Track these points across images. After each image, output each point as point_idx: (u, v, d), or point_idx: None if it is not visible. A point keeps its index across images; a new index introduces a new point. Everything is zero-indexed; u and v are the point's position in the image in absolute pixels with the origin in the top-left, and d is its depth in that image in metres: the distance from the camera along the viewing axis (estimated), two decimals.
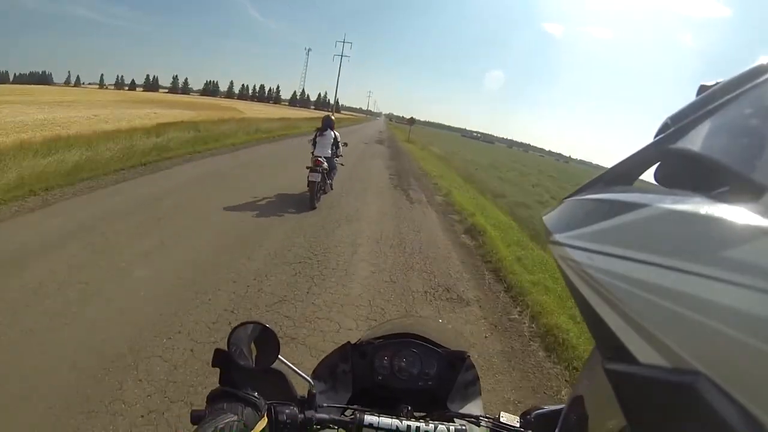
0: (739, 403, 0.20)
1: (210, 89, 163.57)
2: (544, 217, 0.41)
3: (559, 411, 0.69)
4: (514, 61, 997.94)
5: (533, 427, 0.74)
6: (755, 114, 0.27)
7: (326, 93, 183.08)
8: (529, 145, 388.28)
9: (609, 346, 0.26)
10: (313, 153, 6.31)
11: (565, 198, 0.40)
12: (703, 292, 0.21)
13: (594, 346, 0.33)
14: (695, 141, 0.29)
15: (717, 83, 0.32)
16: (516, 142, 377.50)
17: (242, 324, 0.72)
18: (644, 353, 0.24)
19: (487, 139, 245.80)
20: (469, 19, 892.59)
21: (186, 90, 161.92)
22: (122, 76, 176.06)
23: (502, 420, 0.78)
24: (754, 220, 0.21)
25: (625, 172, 0.35)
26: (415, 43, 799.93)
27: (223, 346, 0.69)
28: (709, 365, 0.21)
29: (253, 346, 0.72)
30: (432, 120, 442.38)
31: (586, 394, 0.44)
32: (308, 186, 6.02)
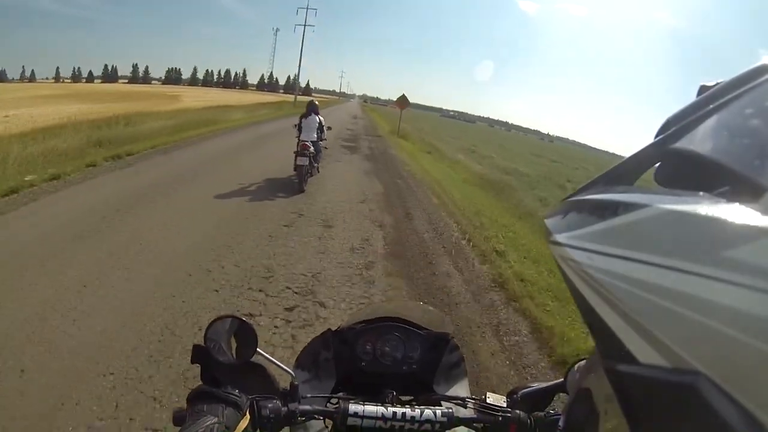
0: (739, 403, 0.20)
1: (172, 77, 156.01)
2: (545, 219, 0.41)
3: (544, 389, 0.78)
4: (489, 40, 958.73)
5: (520, 406, 0.77)
6: (756, 114, 0.27)
7: (296, 75, 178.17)
8: (508, 123, 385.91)
9: (609, 346, 0.27)
10: (299, 138, 6.64)
11: (566, 198, 0.40)
12: (703, 292, 0.21)
13: (595, 347, 0.33)
14: (696, 141, 0.30)
15: (717, 83, 0.33)
16: (496, 121, 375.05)
17: (218, 318, 0.72)
18: (644, 353, 0.24)
19: (467, 119, 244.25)
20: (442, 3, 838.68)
21: (147, 79, 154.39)
22: (79, 68, 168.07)
23: (488, 400, 0.80)
24: (754, 220, 0.21)
25: (626, 172, 0.36)
26: (387, 23, 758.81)
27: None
28: (709, 365, 0.21)
29: (232, 340, 0.72)
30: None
31: (585, 393, 0.45)
32: (295, 170, 6.34)
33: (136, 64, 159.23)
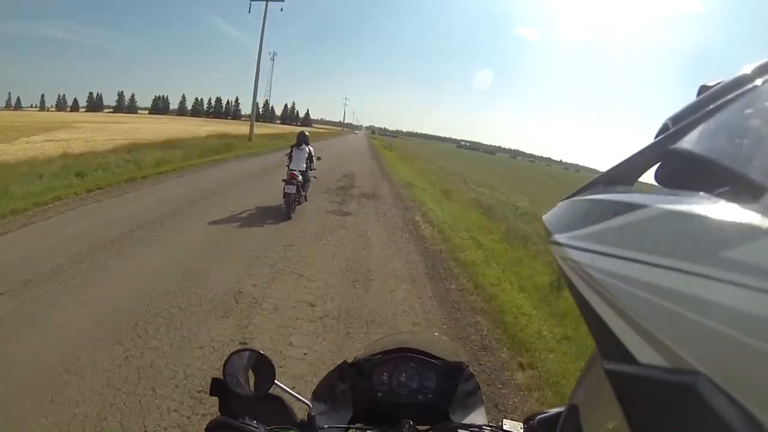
0: (739, 403, 0.20)
1: (159, 105, 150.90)
2: (544, 218, 0.42)
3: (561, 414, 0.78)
4: (496, 67, 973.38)
5: (537, 431, 0.77)
6: (755, 114, 0.29)
7: (293, 104, 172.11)
8: (527, 153, 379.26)
9: (609, 346, 0.28)
10: (288, 167, 7.46)
11: (566, 198, 0.42)
12: (703, 292, 0.22)
13: (595, 347, 0.35)
14: (695, 141, 0.31)
15: (717, 84, 0.35)
16: (516, 152, 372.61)
17: (236, 352, 0.77)
18: (644, 353, 0.25)
19: (485, 149, 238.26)
20: (445, 28, 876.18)
21: (132, 107, 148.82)
22: (64, 96, 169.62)
23: (505, 427, 0.82)
24: (754, 220, 0.22)
25: (626, 173, 0.37)
26: (393, 55, 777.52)
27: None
28: (709, 365, 0.21)
29: (250, 373, 0.77)
30: (417, 131, 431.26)
31: (586, 394, 0.46)
32: (284, 198, 7.03)
33: (122, 92, 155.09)
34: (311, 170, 7.87)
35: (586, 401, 0.45)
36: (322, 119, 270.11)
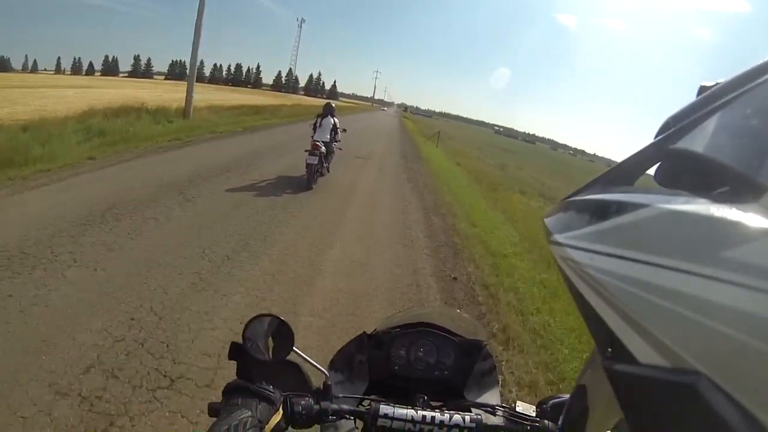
0: (739, 403, 0.21)
1: (176, 71, 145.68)
2: (544, 218, 0.43)
3: None
4: (530, 55, 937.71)
5: (549, 416, 0.80)
6: (755, 114, 0.29)
7: (319, 74, 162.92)
8: (565, 145, 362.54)
9: (609, 346, 0.29)
10: (312, 137, 7.58)
11: (566, 198, 0.43)
12: (703, 292, 0.23)
13: (595, 346, 0.36)
14: (696, 141, 0.32)
15: (717, 83, 0.35)
16: (555, 143, 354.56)
17: (257, 317, 0.80)
18: (644, 353, 0.26)
19: (526, 138, 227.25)
20: (482, 10, 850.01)
21: (148, 72, 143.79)
22: (80, 59, 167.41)
23: (518, 409, 0.84)
24: (754, 220, 0.23)
25: (626, 172, 0.38)
26: (427, 33, 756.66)
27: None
28: (709, 365, 0.22)
29: (269, 339, 0.80)
30: (449, 111, 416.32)
31: (590, 385, 0.47)
32: (306, 168, 7.20)
33: (138, 56, 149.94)
34: (336, 142, 8.07)
35: (591, 392, 0.46)
36: (353, 94, 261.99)
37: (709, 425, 0.22)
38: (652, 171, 0.38)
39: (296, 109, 28.57)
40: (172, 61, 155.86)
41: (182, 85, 17.90)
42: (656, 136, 0.37)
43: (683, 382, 0.23)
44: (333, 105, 8.05)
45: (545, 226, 0.42)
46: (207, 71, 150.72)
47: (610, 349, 0.29)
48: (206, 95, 26.16)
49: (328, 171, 8.09)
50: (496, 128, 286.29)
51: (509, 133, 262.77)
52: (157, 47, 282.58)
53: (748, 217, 0.23)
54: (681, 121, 0.34)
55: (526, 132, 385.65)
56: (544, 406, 0.82)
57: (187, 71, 13.99)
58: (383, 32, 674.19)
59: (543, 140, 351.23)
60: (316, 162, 7.04)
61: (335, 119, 7.81)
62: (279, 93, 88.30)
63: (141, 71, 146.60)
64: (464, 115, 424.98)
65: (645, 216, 0.29)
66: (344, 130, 8.40)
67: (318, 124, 7.65)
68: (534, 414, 0.83)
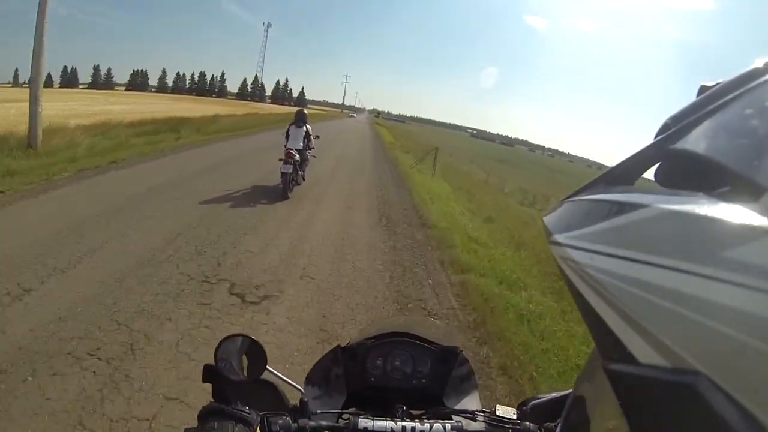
0: (739, 403, 0.21)
1: (137, 81, 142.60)
2: (544, 218, 0.44)
3: (554, 399, 0.80)
4: (501, 57, 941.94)
5: (530, 417, 0.81)
6: (755, 114, 0.30)
7: (287, 81, 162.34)
8: (543, 146, 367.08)
9: (609, 346, 0.30)
10: (285, 146, 7.56)
11: (566, 198, 0.43)
12: (703, 292, 0.24)
13: (594, 347, 0.36)
14: (696, 141, 0.32)
15: (717, 84, 0.36)
16: (531, 144, 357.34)
17: (228, 337, 0.81)
18: (644, 353, 0.26)
19: (503, 141, 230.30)
20: (451, 13, 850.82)
21: (109, 83, 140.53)
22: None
23: (498, 413, 0.85)
24: (754, 220, 0.24)
25: (626, 173, 0.39)
26: (397, 38, 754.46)
27: None
28: (709, 365, 0.23)
29: (244, 358, 0.80)
30: (421, 116, 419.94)
31: (586, 394, 0.48)
32: (281, 177, 7.21)
33: (98, 66, 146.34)
34: (309, 149, 8.20)
35: (591, 392, 0.47)
36: (324, 101, 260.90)
37: (709, 425, 0.22)
38: (652, 171, 0.38)
39: (246, 120, 24.29)
40: (133, 70, 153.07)
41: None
42: (656, 137, 0.38)
43: (683, 382, 0.23)
44: (305, 112, 8.19)
45: (545, 225, 0.42)
46: (170, 81, 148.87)
47: (610, 350, 0.29)
48: (114, 106, 23.05)
49: (304, 179, 8.24)
50: (470, 131, 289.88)
51: (484, 136, 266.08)
52: (119, 56, 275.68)
53: (748, 217, 0.24)
54: (681, 122, 0.35)
55: (501, 134, 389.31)
56: (524, 407, 0.84)
57: (29, 83, 8.95)
58: (352, 37, 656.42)
59: (518, 141, 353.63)
60: (290, 171, 7.12)
61: (308, 126, 7.95)
62: (243, 102, 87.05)
63: (101, 82, 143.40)
64: (435, 119, 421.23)
65: (645, 216, 0.30)
66: (317, 137, 8.45)
67: (290, 132, 7.74)
68: (514, 416, 0.84)
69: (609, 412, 0.37)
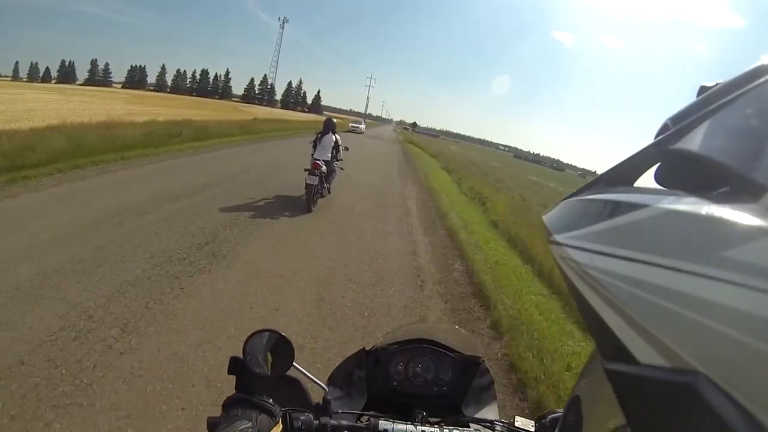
0: (739, 403, 0.22)
1: (135, 78, 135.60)
2: (544, 218, 0.45)
3: None
4: (530, 71, 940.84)
5: (548, 430, 0.82)
6: (755, 114, 0.31)
7: (300, 83, 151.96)
8: (575, 166, 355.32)
9: (609, 346, 0.31)
10: (312, 155, 7.62)
11: (566, 198, 0.44)
12: (703, 292, 0.24)
13: (594, 347, 0.37)
14: (695, 141, 0.34)
15: (717, 84, 0.37)
16: (561, 163, 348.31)
17: (257, 332, 0.83)
18: (644, 353, 0.27)
19: (555, 165, 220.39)
20: (482, 27, 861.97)
21: (106, 80, 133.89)
22: (36, 64, 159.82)
23: (516, 424, 0.87)
24: (754, 220, 0.24)
25: (626, 173, 0.40)
26: (425, 47, 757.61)
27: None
28: (709, 365, 0.24)
29: (268, 354, 0.82)
30: (451, 130, 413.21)
31: (586, 394, 0.49)
32: (305, 189, 7.18)
33: (95, 60, 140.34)
34: (338, 161, 8.15)
35: (591, 393, 0.47)
36: (350, 110, 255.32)
37: (708, 425, 0.23)
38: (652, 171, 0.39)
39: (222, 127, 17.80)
40: (131, 66, 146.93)
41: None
42: (656, 137, 0.39)
43: (683, 382, 0.24)
44: (334, 120, 8.13)
45: (545, 225, 0.43)
46: (168, 79, 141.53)
47: (610, 350, 0.30)
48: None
49: (329, 192, 8.29)
50: (501, 147, 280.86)
51: (516, 153, 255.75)
52: (120, 52, 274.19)
53: (748, 217, 0.24)
54: (681, 122, 0.36)
55: (531, 151, 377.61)
56: (543, 420, 0.85)
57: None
58: (378, 41, 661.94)
59: (548, 159, 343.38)
60: (316, 182, 7.12)
61: (337, 136, 7.95)
62: (248, 104, 78.85)
63: (98, 77, 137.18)
64: (465, 133, 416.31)
65: (645, 216, 0.31)
66: (346, 149, 8.54)
67: (318, 142, 7.74)
68: (533, 429, 0.86)
69: (609, 412, 0.38)
